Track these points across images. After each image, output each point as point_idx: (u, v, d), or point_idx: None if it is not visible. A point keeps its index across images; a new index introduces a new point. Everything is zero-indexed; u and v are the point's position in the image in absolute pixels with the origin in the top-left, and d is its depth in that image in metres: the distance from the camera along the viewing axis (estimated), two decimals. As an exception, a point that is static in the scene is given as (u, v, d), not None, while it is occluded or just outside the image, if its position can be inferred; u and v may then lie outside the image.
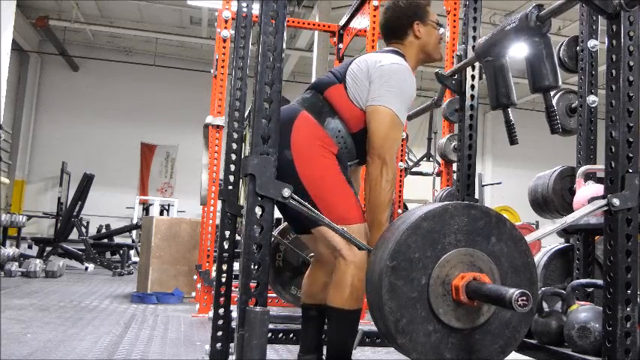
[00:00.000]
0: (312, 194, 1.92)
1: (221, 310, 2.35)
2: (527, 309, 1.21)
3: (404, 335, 1.30)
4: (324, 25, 5.51)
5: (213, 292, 3.36)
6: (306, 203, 1.61)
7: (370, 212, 1.98)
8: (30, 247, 9.89)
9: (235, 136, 2.48)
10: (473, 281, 1.32)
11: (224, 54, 4.64)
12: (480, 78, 2.44)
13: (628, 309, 1.61)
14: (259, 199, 1.51)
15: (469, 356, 1.36)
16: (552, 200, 3.13)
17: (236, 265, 2.53)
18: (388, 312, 1.30)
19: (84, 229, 10.26)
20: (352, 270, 1.89)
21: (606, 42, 1.72)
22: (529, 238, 1.71)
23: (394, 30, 2.24)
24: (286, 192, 1.52)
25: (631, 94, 1.67)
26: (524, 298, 1.21)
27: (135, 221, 11.89)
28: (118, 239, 10.70)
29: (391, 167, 1.98)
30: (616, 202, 1.63)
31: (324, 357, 2.12)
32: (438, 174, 5.55)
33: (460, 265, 1.35)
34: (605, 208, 1.65)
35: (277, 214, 2.05)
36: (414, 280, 1.32)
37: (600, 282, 1.99)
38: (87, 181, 9.70)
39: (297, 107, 2.06)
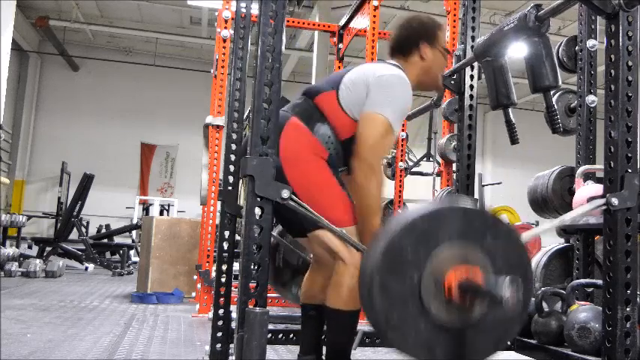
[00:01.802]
0: (303, 198, 1.91)
1: (221, 311, 2.36)
2: (519, 309, 1.21)
3: (394, 331, 1.30)
4: (324, 25, 5.51)
5: (213, 292, 3.36)
6: (306, 205, 1.60)
7: (361, 218, 1.97)
8: (30, 247, 9.90)
9: (234, 136, 2.48)
10: (465, 280, 1.31)
11: (224, 54, 4.64)
12: (479, 78, 2.44)
13: (628, 309, 1.61)
14: (258, 199, 1.51)
15: (461, 352, 1.36)
16: (552, 200, 3.13)
17: (236, 265, 2.53)
18: (379, 309, 1.30)
19: (84, 229, 10.26)
20: (350, 271, 1.89)
21: (605, 42, 1.72)
22: (527, 235, 1.71)
23: (401, 46, 2.22)
24: (285, 193, 1.52)
25: (630, 94, 1.67)
26: (517, 296, 1.21)
27: (135, 221, 11.88)
28: (118, 239, 10.70)
29: (378, 173, 1.96)
30: (615, 201, 1.63)
31: (323, 358, 2.12)
32: (438, 174, 5.56)
33: (453, 260, 1.34)
34: (604, 208, 1.65)
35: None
36: (405, 278, 1.32)
37: (600, 282, 1.99)
38: (87, 181, 9.70)
39: (287, 114, 2.05)
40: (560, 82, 1.96)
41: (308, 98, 2.10)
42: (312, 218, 1.66)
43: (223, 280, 2.44)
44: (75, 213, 9.65)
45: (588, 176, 2.92)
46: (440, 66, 2.24)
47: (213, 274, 4.02)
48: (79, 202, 9.70)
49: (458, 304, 1.32)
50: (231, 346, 2.31)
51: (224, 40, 4.59)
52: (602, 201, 1.65)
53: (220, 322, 2.33)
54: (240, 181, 2.49)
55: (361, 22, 4.54)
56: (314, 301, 2.15)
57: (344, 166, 2.09)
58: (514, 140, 2.17)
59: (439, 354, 1.34)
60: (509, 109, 2.17)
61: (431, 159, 7.60)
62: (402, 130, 4.97)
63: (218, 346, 2.31)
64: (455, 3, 4.34)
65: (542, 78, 1.90)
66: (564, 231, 3.00)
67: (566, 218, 1.73)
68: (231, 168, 2.47)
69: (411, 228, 1.34)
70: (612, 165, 1.67)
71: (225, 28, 4.58)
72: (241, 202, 2.43)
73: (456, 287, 1.31)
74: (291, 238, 2.87)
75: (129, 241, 11.01)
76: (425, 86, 2.26)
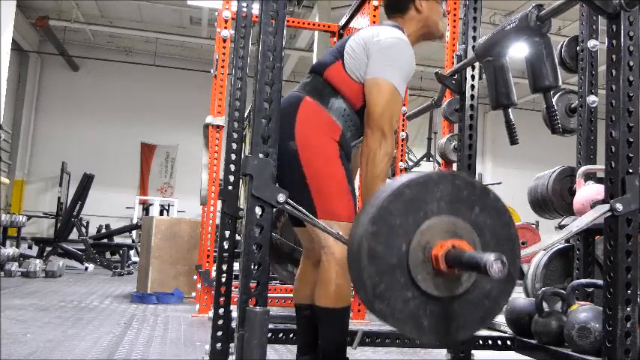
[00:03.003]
0: (312, 188, 1.92)
1: (221, 310, 2.35)
2: (502, 275, 1.20)
3: (382, 301, 1.30)
4: (324, 25, 5.51)
5: (213, 292, 3.35)
6: (301, 208, 1.60)
7: (365, 185, 1.96)
8: (30, 247, 9.90)
9: (235, 136, 2.48)
10: (452, 249, 1.31)
11: (224, 54, 4.64)
12: (480, 78, 2.44)
13: (628, 309, 1.61)
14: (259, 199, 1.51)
15: (448, 324, 1.35)
16: (552, 200, 3.13)
17: (236, 265, 2.53)
18: (367, 277, 1.29)
19: (84, 229, 10.26)
20: (336, 267, 1.89)
21: (606, 42, 1.72)
22: (535, 248, 1.71)
23: (396, 3, 2.20)
24: (281, 197, 1.52)
25: (631, 94, 1.67)
26: (500, 263, 1.20)
27: (135, 221, 11.88)
28: (117, 239, 10.70)
29: (390, 140, 1.96)
30: (619, 207, 1.64)
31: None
32: (438, 174, 5.54)
33: (441, 233, 1.34)
34: (609, 214, 1.65)
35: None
36: (393, 246, 1.31)
37: (600, 282, 1.99)
38: (87, 181, 9.70)
39: (299, 94, 2.05)
40: (560, 83, 1.96)
41: (317, 75, 2.09)
42: (307, 220, 1.66)
43: (223, 279, 2.44)
44: (75, 213, 9.65)
45: (589, 176, 2.92)
46: (438, 13, 2.22)
47: (213, 274, 4.01)
48: (79, 202, 9.70)
49: (445, 275, 1.32)
50: (232, 345, 2.31)
51: (224, 40, 4.58)
52: (607, 207, 1.65)
53: (220, 322, 2.33)
54: (241, 181, 2.49)
55: (361, 22, 4.54)
56: (307, 301, 2.14)
57: (362, 136, 2.08)
58: (514, 141, 2.17)
59: (426, 326, 1.33)
60: (510, 110, 2.17)
61: (431, 159, 7.60)
62: (402, 130, 4.97)
63: (218, 345, 2.30)
64: (455, 3, 4.34)
65: (543, 78, 1.90)
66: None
67: (573, 229, 1.73)
68: (232, 168, 2.47)
69: (399, 195, 1.33)
70: (613, 165, 1.67)
71: (225, 28, 4.58)
72: (242, 201, 2.43)
73: (442, 258, 1.31)
74: (283, 221, 2.83)
75: (129, 241, 11.01)
76: (427, 37, 2.24)
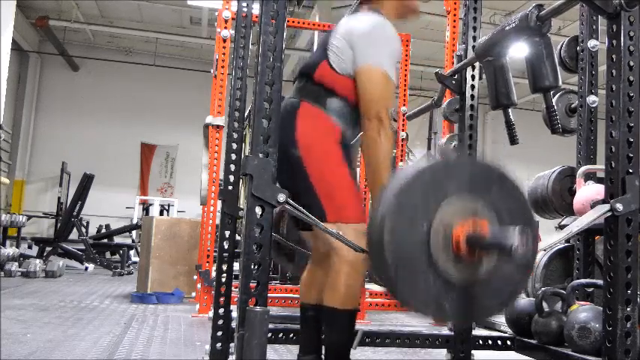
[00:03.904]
0: (318, 191, 1.92)
1: (221, 310, 2.36)
2: (528, 256, 1.21)
3: (405, 283, 1.30)
4: (324, 25, 5.51)
5: (213, 292, 3.35)
6: (302, 208, 1.60)
7: (371, 173, 1.96)
8: (30, 247, 9.89)
9: (235, 136, 2.48)
10: (472, 231, 1.31)
11: (224, 54, 4.64)
12: (480, 78, 2.44)
13: (628, 309, 1.61)
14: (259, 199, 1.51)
15: (469, 308, 1.35)
16: (552, 200, 3.13)
17: (236, 265, 2.53)
18: (389, 254, 1.29)
19: (84, 229, 10.26)
20: (346, 269, 1.89)
21: (606, 42, 1.72)
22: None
23: None
24: (281, 197, 1.52)
25: (631, 94, 1.67)
26: (525, 235, 1.21)
27: (135, 221, 11.88)
28: (117, 239, 10.70)
29: (387, 125, 1.96)
30: (619, 207, 1.64)
31: (323, 357, 2.11)
32: (438, 174, 5.53)
33: (461, 213, 1.34)
34: (609, 214, 1.65)
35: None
36: (416, 224, 1.31)
37: (600, 282, 1.99)
38: (87, 181, 9.70)
39: (296, 100, 2.05)
40: (560, 83, 1.96)
41: (307, 78, 2.09)
42: (310, 221, 1.66)
43: (223, 279, 2.44)
44: (75, 213, 9.65)
45: (589, 176, 2.92)
46: None
47: (213, 274, 4.01)
48: (79, 202, 9.70)
49: (466, 258, 1.32)
50: (232, 345, 2.31)
51: (224, 40, 4.58)
52: (607, 207, 1.65)
53: (220, 322, 2.33)
54: (241, 181, 2.49)
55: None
56: (312, 301, 2.15)
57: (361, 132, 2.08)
58: (514, 141, 2.17)
59: (448, 309, 1.33)
60: (509, 110, 2.17)
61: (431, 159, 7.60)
62: (402, 130, 4.97)
63: (218, 345, 2.31)
64: (455, 3, 4.34)
65: (543, 78, 1.90)
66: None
67: (574, 229, 1.73)
68: (232, 168, 2.47)
69: (421, 175, 1.34)
70: (613, 165, 1.67)
71: (225, 28, 4.58)
72: (242, 201, 2.43)
73: (464, 241, 1.31)
74: (288, 220, 2.84)
75: (129, 241, 11.01)
76: (405, 15, 2.23)
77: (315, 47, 9.82)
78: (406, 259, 1.29)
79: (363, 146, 1.99)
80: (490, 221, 1.35)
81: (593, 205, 1.70)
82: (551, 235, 1.89)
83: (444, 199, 1.33)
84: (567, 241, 3.10)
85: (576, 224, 1.74)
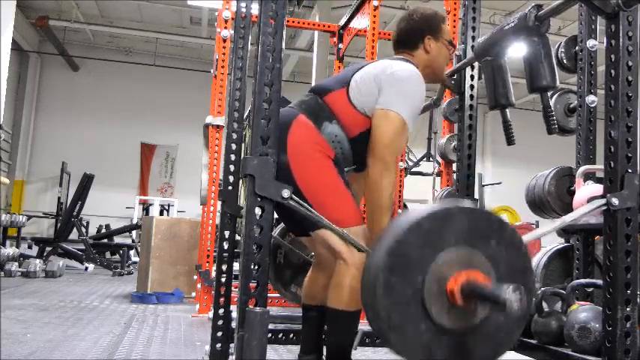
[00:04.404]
0: (308, 197, 1.89)
1: (221, 310, 2.35)
2: (522, 310, 1.22)
3: (396, 333, 1.30)
4: (324, 25, 5.51)
5: (213, 292, 3.36)
6: (306, 205, 1.61)
7: (371, 215, 1.97)
8: (30, 247, 9.90)
9: (235, 136, 2.48)
10: (466, 283, 1.31)
11: (224, 54, 4.64)
12: (480, 78, 2.44)
13: (628, 309, 1.61)
14: (259, 199, 1.51)
15: (461, 357, 1.36)
16: (549, 200, 3.13)
17: (236, 265, 2.53)
18: (381, 308, 1.30)
19: (84, 229, 10.26)
20: (351, 271, 1.89)
21: (605, 42, 1.72)
22: (528, 237, 1.71)
23: (405, 41, 2.22)
24: (286, 193, 1.52)
25: (630, 94, 1.67)
26: (519, 299, 1.21)
27: (135, 221, 11.88)
28: (117, 239, 10.70)
29: (393, 171, 1.97)
30: (615, 201, 1.63)
31: (324, 357, 2.12)
32: (438, 174, 5.56)
33: (457, 265, 1.34)
34: (604, 208, 1.65)
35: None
36: (409, 279, 1.32)
37: (600, 282, 1.99)
38: (87, 181, 9.70)
39: (295, 111, 2.05)
40: (557, 83, 1.95)
41: (317, 96, 2.09)
42: (314, 218, 1.66)
43: (223, 280, 2.44)
44: (75, 213, 9.65)
45: (588, 176, 2.92)
46: (444, 58, 2.25)
47: (213, 274, 4.01)
48: (79, 202, 9.70)
49: (460, 307, 1.32)
50: (232, 345, 2.31)
51: (224, 40, 4.59)
52: (603, 201, 1.65)
53: (220, 322, 2.33)
54: (241, 181, 2.49)
55: (361, 22, 4.54)
56: (315, 302, 2.15)
57: (352, 165, 2.09)
58: (510, 141, 2.17)
59: (439, 358, 1.34)
60: (507, 110, 2.17)
61: (431, 159, 7.60)
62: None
63: (218, 345, 2.30)
64: (455, 3, 4.34)
65: (540, 78, 1.90)
66: (564, 231, 3.00)
67: (567, 220, 1.73)
68: (232, 168, 2.47)
69: (416, 228, 1.33)
70: (612, 165, 1.67)
71: (225, 28, 4.58)
72: (242, 201, 2.43)
73: (458, 291, 1.31)
74: (291, 238, 2.88)
75: (129, 241, 11.01)
76: (429, 79, 2.25)
77: (315, 48, 9.81)
78: (398, 310, 1.30)
79: (366, 187, 2.00)
80: (487, 273, 1.36)
81: (590, 201, 1.70)
82: (551, 235, 1.89)
83: (440, 252, 1.34)
84: (567, 241, 3.10)
85: (570, 215, 1.74)
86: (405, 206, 4.93)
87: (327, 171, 1.97)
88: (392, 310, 1.30)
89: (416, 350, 1.32)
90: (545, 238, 2.29)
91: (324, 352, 2.09)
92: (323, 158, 1.97)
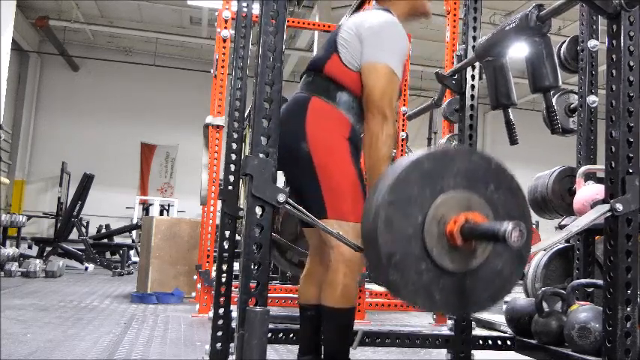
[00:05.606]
0: (322, 185, 1.93)
1: (221, 310, 2.36)
2: (521, 243, 1.21)
3: (396, 271, 1.29)
4: (324, 25, 5.51)
5: (213, 292, 3.36)
6: (301, 208, 1.61)
7: (370, 168, 1.96)
8: (30, 247, 9.89)
9: (235, 136, 2.48)
10: (466, 223, 1.31)
11: (224, 54, 4.64)
12: (480, 78, 2.44)
13: (628, 309, 1.61)
14: (259, 199, 1.51)
15: (459, 300, 1.36)
16: (551, 200, 3.13)
17: (236, 265, 2.53)
18: (382, 244, 1.29)
19: (84, 229, 10.26)
20: (344, 268, 1.90)
21: (606, 42, 1.72)
22: (535, 248, 1.71)
23: None
24: (281, 197, 1.52)
25: (631, 94, 1.67)
26: (519, 231, 1.21)
27: (135, 221, 11.88)
28: (117, 239, 10.70)
29: (391, 121, 1.96)
30: (619, 207, 1.64)
31: (322, 357, 2.11)
32: (438, 174, 5.54)
33: (456, 207, 1.34)
34: (609, 214, 1.65)
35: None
36: (410, 217, 1.31)
37: (600, 282, 1.99)
38: (87, 181, 9.70)
39: (305, 95, 2.06)
40: (560, 83, 1.96)
41: (317, 72, 2.10)
42: (307, 220, 1.66)
43: (223, 279, 2.44)
44: (75, 213, 9.65)
45: (589, 176, 2.92)
46: None
47: (213, 274, 4.01)
48: (79, 202, 9.70)
49: (460, 249, 1.32)
50: (232, 345, 2.31)
51: (224, 40, 4.58)
52: (607, 207, 1.65)
53: (220, 322, 2.33)
54: (241, 180, 2.49)
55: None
56: (312, 302, 2.15)
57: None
58: (513, 141, 2.17)
59: (438, 299, 1.33)
60: (509, 110, 2.17)
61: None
62: (403, 130, 4.97)
63: (218, 345, 2.31)
64: (455, 3, 4.34)
65: (543, 78, 1.90)
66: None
67: (573, 230, 1.73)
68: (232, 168, 2.47)
69: (417, 166, 1.33)
70: (613, 165, 1.67)
71: (225, 28, 4.57)
72: (242, 201, 2.43)
73: (458, 231, 1.31)
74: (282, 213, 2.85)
75: (129, 241, 11.01)
76: (416, 16, 2.24)
77: (315, 48, 9.81)
78: (399, 248, 1.30)
79: (365, 140, 1.99)
80: (486, 215, 1.36)
81: (593, 205, 1.70)
82: (552, 235, 1.89)
83: (440, 193, 1.34)
84: (567, 241, 3.10)
85: (576, 224, 1.74)
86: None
87: (346, 162, 1.98)
88: (393, 247, 1.29)
89: (415, 290, 1.31)
90: (544, 235, 2.30)
91: (323, 352, 2.09)
92: (342, 144, 1.98)
